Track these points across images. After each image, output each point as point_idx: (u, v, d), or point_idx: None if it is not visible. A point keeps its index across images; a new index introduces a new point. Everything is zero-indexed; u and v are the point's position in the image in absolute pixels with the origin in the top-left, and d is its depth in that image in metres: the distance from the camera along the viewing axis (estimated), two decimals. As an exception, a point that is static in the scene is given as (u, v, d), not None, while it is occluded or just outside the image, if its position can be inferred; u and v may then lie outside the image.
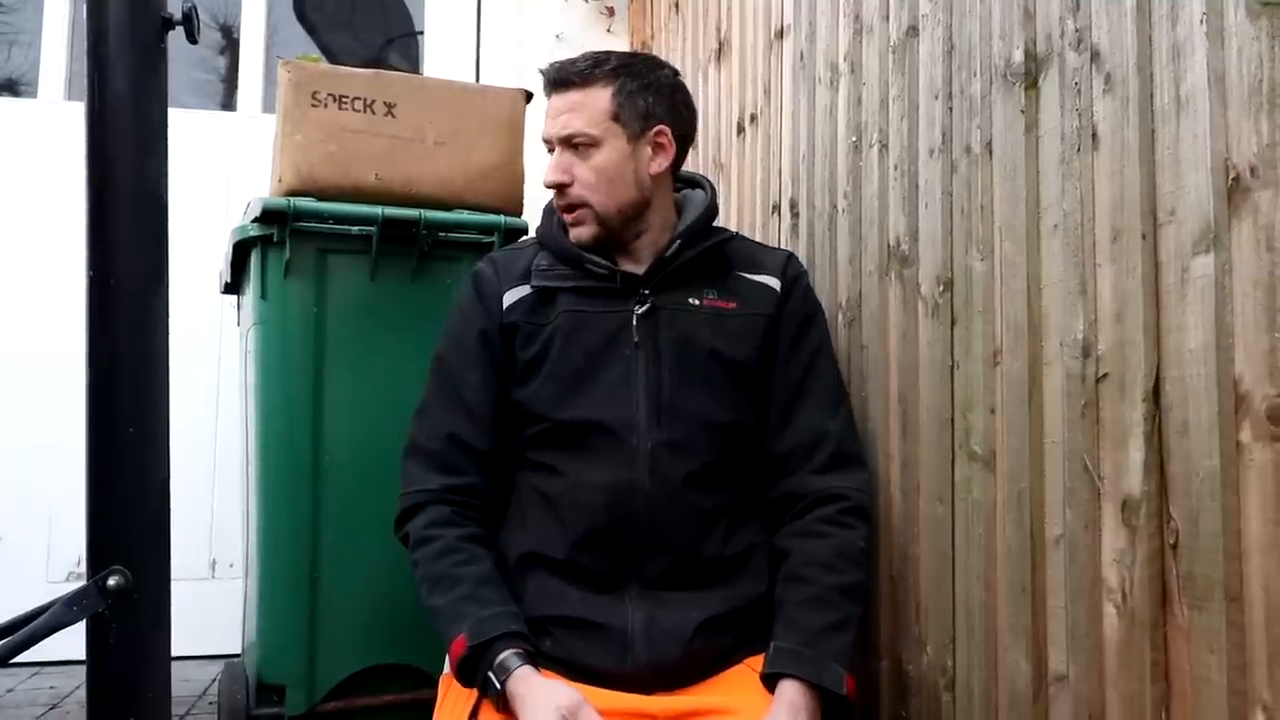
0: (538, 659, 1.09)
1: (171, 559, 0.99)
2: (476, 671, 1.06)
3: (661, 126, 1.23)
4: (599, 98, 1.21)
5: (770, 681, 1.06)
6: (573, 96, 1.21)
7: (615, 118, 1.21)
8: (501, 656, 1.04)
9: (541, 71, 1.26)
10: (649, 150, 1.23)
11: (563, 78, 1.22)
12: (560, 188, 1.22)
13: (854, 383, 1.38)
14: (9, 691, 2.24)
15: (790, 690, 1.03)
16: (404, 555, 1.24)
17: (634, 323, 1.20)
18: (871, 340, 1.34)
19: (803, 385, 1.24)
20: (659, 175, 1.25)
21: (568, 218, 1.23)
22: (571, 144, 1.21)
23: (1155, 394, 0.82)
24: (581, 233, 1.22)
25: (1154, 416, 0.82)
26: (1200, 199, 0.77)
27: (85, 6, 0.94)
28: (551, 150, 1.24)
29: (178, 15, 0.98)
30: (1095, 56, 0.90)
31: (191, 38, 0.99)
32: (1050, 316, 0.96)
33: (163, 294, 0.98)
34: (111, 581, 0.90)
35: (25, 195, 2.56)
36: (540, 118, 2.09)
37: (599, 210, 1.21)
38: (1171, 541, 0.80)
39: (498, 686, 1.03)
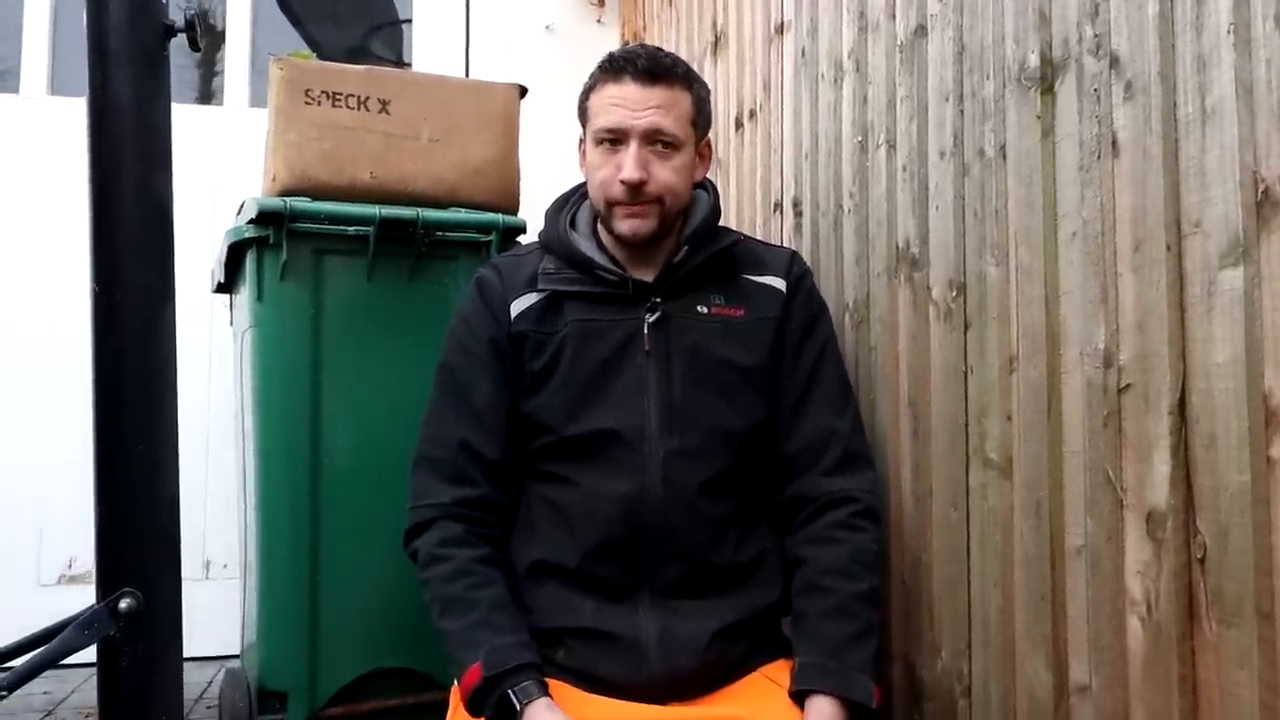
0: (553, 673, 1.09)
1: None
2: (487, 701, 1.05)
3: (708, 137, 1.26)
4: (684, 100, 1.19)
5: (799, 697, 1.06)
6: (662, 92, 1.16)
7: (694, 123, 1.21)
8: (521, 685, 1.03)
9: (621, 55, 1.19)
10: (699, 158, 1.25)
11: (656, 70, 1.17)
12: (639, 185, 1.16)
13: (862, 384, 1.37)
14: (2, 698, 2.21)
15: (821, 705, 1.03)
16: (405, 556, 1.23)
17: (645, 331, 1.18)
18: (880, 342, 1.33)
19: (809, 385, 1.24)
20: None
21: (630, 209, 1.17)
22: (656, 141, 1.16)
23: (1181, 406, 0.82)
24: (642, 226, 1.18)
25: (1180, 429, 0.82)
26: (1228, 211, 0.77)
27: (85, 13, 0.92)
28: (611, 140, 1.17)
29: (180, 22, 0.96)
30: (1115, 63, 0.90)
31: (195, 45, 0.97)
32: (1069, 325, 0.96)
33: (169, 308, 0.96)
34: (123, 604, 0.88)
35: (7, 194, 2.51)
36: (540, 112, 2.10)
37: (668, 209, 1.19)
38: (1199, 555, 0.79)
39: (519, 708, 1.02)
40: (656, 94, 1.16)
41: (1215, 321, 0.78)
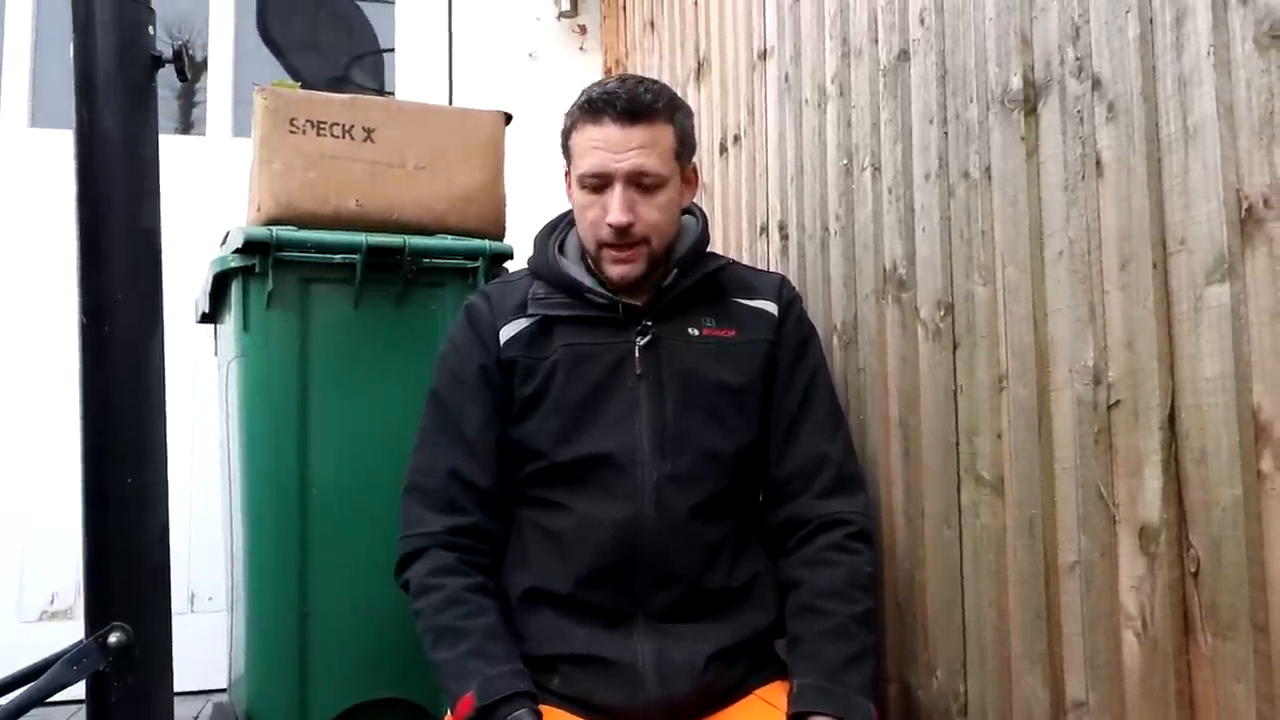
0: (548, 699, 1.08)
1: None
2: None
3: (694, 163, 1.25)
4: (666, 134, 1.18)
5: (798, 719, 1.05)
6: (642, 132, 1.15)
7: (677, 156, 1.20)
8: (514, 715, 1.02)
9: (597, 96, 1.17)
10: (685, 186, 1.24)
11: (633, 110, 1.15)
12: (627, 228, 1.16)
13: (852, 405, 1.38)
14: (-18, 737, 2.17)
15: None
16: (396, 586, 1.22)
17: (636, 354, 1.18)
18: (869, 363, 1.34)
19: (801, 410, 1.24)
20: None
21: (619, 255, 1.17)
22: (640, 183, 1.16)
23: (1171, 422, 0.82)
24: (631, 270, 1.18)
25: (1170, 444, 0.82)
26: (1212, 229, 0.78)
27: (71, 45, 0.92)
28: (595, 185, 1.17)
29: (167, 53, 0.96)
30: (1097, 85, 0.91)
31: (183, 76, 0.97)
32: (1057, 343, 0.96)
33: (158, 339, 0.95)
34: (112, 639, 0.87)
35: (-12, 224, 2.50)
36: (524, 139, 2.11)
37: (655, 248, 1.19)
38: (1193, 570, 0.80)
39: None
40: (637, 134, 1.15)
41: (1203, 337, 0.79)
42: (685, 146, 1.22)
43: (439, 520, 1.18)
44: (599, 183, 1.17)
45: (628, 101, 1.15)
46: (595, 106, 1.17)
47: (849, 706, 1.04)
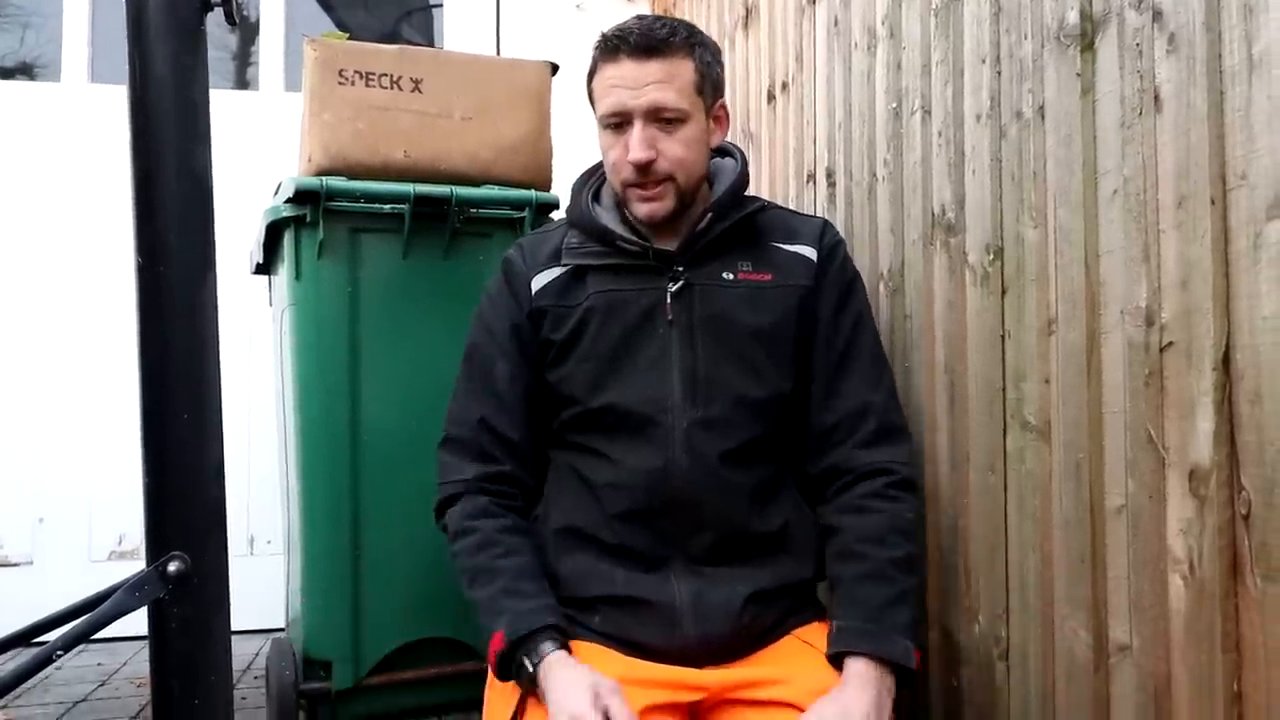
0: (589, 637, 1.10)
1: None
2: (511, 666, 1.06)
3: (722, 100, 1.22)
4: (685, 69, 1.15)
5: (837, 660, 1.05)
6: (659, 66, 1.13)
7: (699, 90, 1.17)
8: (536, 647, 1.04)
9: (611, 35, 1.15)
10: (714, 124, 1.22)
11: (648, 44, 1.12)
12: (647, 165, 1.14)
13: (897, 353, 1.36)
14: (57, 669, 2.27)
15: (859, 666, 1.03)
16: (442, 534, 1.24)
17: (667, 300, 1.17)
18: (916, 310, 1.32)
19: (844, 357, 1.22)
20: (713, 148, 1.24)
21: (645, 193, 1.16)
22: (660, 118, 1.14)
23: (1225, 363, 0.80)
24: (658, 208, 1.17)
25: (1224, 386, 0.80)
26: (1275, 162, 0.75)
27: (124, -10, 0.93)
28: (615, 124, 1.16)
29: (216, -4, 0.96)
30: (1158, 16, 0.88)
31: (231, 19, 0.97)
32: (1109, 285, 0.94)
33: (211, 280, 0.97)
34: (172, 567, 0.90)
35: (50, 179, 2.56)
36: (571, 90, 2.09)
37: (682, 186, 1.17)
38: (1244, 512, 0.78)
39: (530, 669, 1.03)
40: (653, 69, 1.13)
41: (1262, 275, 0.76)
42: (708, 81, 1.18)
43: (472, 469, 1.20)
44: (619, 120, 1.15)
45: (641, 36, 1.13)
46: (610, 45, 1.15)
47: (889, 645, 1.03)
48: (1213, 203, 0.81)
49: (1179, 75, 0.85)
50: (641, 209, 1.17)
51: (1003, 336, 1.12)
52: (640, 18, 1.19)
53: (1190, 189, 0.84)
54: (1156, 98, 0.88)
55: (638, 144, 1.13)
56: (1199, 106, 0.83)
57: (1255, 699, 0.78)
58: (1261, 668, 0.77)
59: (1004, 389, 1.12)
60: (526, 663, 1.04)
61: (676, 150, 1.15)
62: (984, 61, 1.15)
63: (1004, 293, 1.12)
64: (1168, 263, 0.86)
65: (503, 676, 1.08)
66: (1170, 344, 0.86)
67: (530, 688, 1.05)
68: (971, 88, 1.18)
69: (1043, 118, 1.04)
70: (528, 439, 1.23)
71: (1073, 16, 0.99)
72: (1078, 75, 0.98)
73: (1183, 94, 0.85)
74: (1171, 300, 0.86)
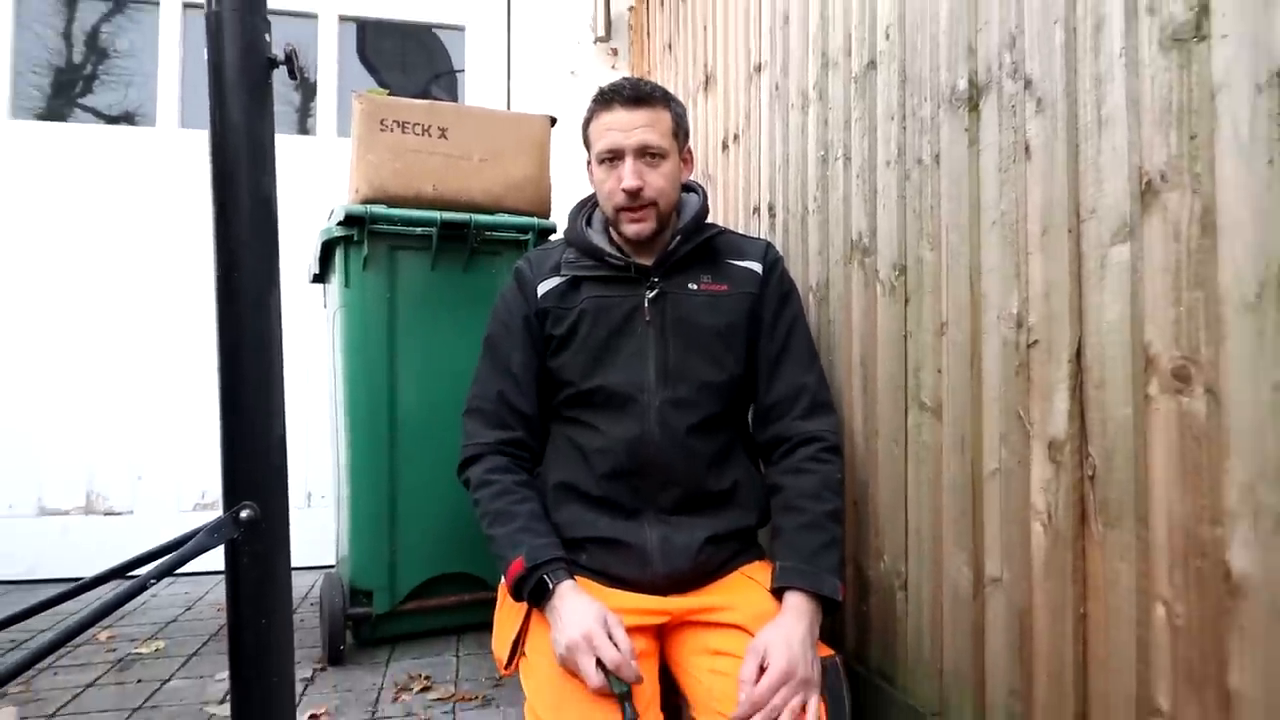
0: (579, 571, 1.09)
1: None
2: (527, 585, 1.05)
3: (689, 145, 1.22)
4: (665, 117, 1.16)
5: (778, 593, 1.05)
6: (645, 113, 1.14)
7: (675, 134, 1.17)
8: (553, 572, 1.04)
9: (609, 88, 1.16)
10: (683, 163, 1.22)
11: (637, 96, 1.13)
12: (638, 191, 1.14)
13: (823, 349, 1.36)
14: (153, 596, 2.23)
15: (796, 599, 1.03)
16: (461, 488, 1.23)
17: (645, 305, 1.17)
18: (838, 315, 1.32)
19: (783, 349, 1.21)
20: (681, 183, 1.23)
21: (634, 215, 1.16)
22: (646, 154, 1.14)
23: (1077, 358, 0.81)
24: (644, 228, 1.16)
25: (1076, 375, 0.81)
26: (1118, 200, 0.76)
27: (206, 50, 0.90)
28: (610, 159, 1.15)
29: (280, 56, 0.94)
30: (1029, 84, 0.88)
31: (292, 75, 0.95)
32: (989, 296, 0.95)
33: (276, 286, 0.94)
34: (243, 514, 0.88)
35: (149, 205, 2.51)
36: (568, 136, 2.08)
37: (662, 210, 1.17)
38: (1090, 474, 0.79)
39: (551, 588, 1.03)
40: (641, 115, 1.13)
41: (1106, 289, 0.77)
42: (680, 129, 1.19)
43: (492, 434, 1.18)
44: (613, 156, 1.15)
45: (631, 90, 1.14)
46: (606, 97, 1.15)
47: (820, 582, 1.04)
48: (1069, 232, 0.82)
49: (1045, 131, 0.86)
50: (630, 229, 1.17)
51: (905, 336, 1.12)
52: (627, 78, 1.18)
53: (1052, 221, 0.84)
54: (1027, 149, 0.88)
55: (630, 174, 1.13)
56: (1060, 156, 0.83)
57: (1096, 618, 0.79)
58: (1102, 594, 0.78)
59: (906, 378, 1.12)
60: (548, 580, 1.03)
61: (659, 181, 1.15)
62: (893, 119, 1.15)
63: (907, 302, 1.12)
64: (1034, 279, 0.87)
65: (516, 597, 1.07)
66: (1035, 342, 0.87)
67: (537, 604, 1.05)
68: (883, 140, 1.18)
69: (938, 164, 1.04)
70: (535, 412, 1.21)
71: (962, 84, 0.99)
72: (966, 130, 0.99)
73: (1048, 146, 0.85)
74: (1036, 308, 0.87)
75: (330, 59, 2.76)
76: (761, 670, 0.96)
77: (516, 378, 1.21)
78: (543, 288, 1.22)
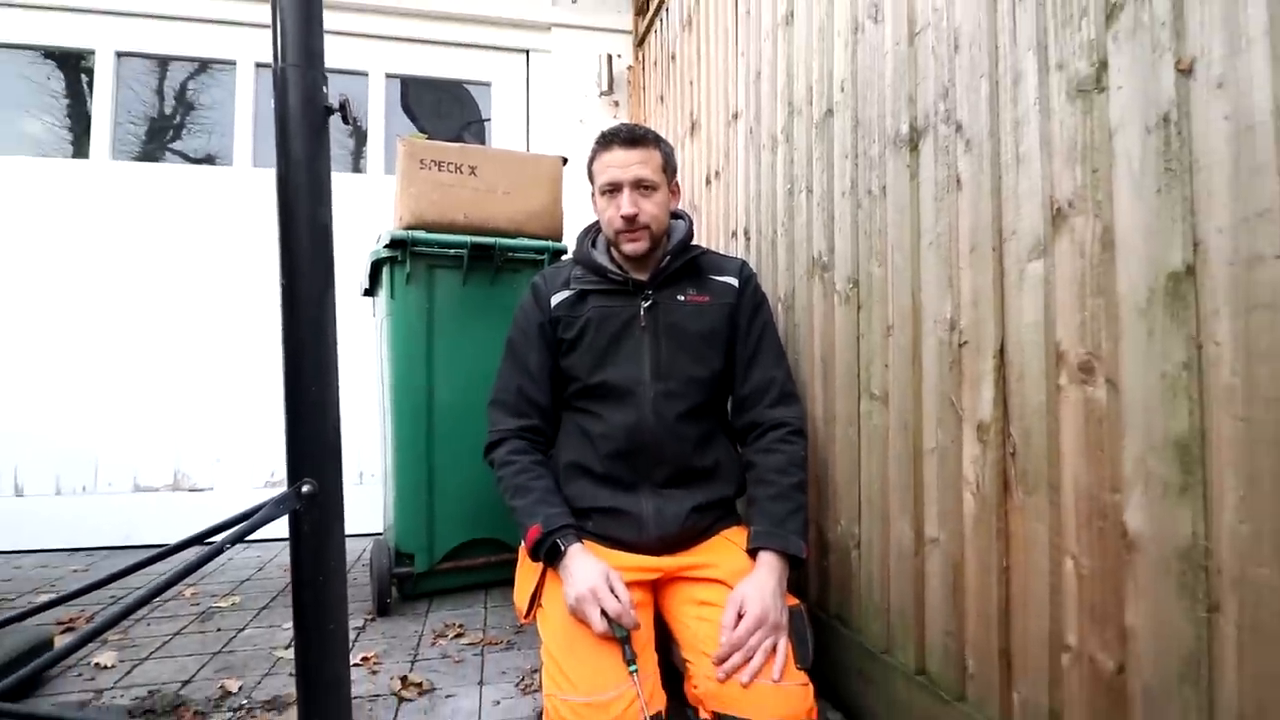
0: (585, 536, 1.09)
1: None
2: (543, 548, 1.05)
3: (676, 179, 1.22)
4: (655, 155, 1.16)
5: (753, 553, 1.05)
6: (640, 152, 1.14)
7: (664, 170, 1.18)
8: (564, 536, 1.04)
9: (609, 132, 1.17)
10: (671, 194, 1.21)
11: (635, 137, 1.14)
12: (634, 217, 1.15)
13: (790, 349, 1.36)
14: (229, 559, 2.23)
15: (767, 557, 1.03)
16: (487, 466, 1.23)
17: (641, 314, 1.17)
18: (802, 321, 1.32)
19: (756, 349, 1.22)
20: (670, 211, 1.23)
21: (631, 235, 1.16)
22: (641, 186, 1.15)
23: (1000, 354, 0.81)
24: (639, 246, 1.16)
25: (1000, 368, 0.81)
26: (1034, 224, 0.76)
27: (274, 101, 0.91)
28: (610, 191, 1.16)
29: (336, 105, 0.94)
30: (959, 128, 0.88)
31: (345, 121, 0.95)
32: (927, 304, 0.95)
33: (331, 297, 0.94)
34: (305, 488, 0.88)
35: (227, 232, 2.51)
36: (577, 173, 2.08)
37: (654, 232, 1.17)
38: (1011, 451, 0.79)
39: (563, 550, 1.03)
40: (636, 154, 1.14)
41: (1024, 298, 0.78)
42: (669, 165, 1.19)
43: (513, 421, 1.18)
44: (613, 188, 1.16)
45: (628, 132, 1.15)
46: (607, 139, 1.16)
47: (787, 543, 1.04)
48: (994, 250, 0.82)
49: (973, 166, 0.86)
50: (627, 247, 1.17)
51: (858, 338, 1.12)
52: (625, 124, 1.19)
53: (979, 241, 0.85)
54: (958, 181, 0.89)
55: (627, 203, 1.14)
56: (985, 187, 0.84)
57: (1017, 569, 0.79)
58: (1021, 551, 0.78)
59: (859, 372, 1.12)
60: (560, 544, 1.03)
61: (651, 209, 1.16)
62: (847, 157, 1.16)
63: (859, 309, 1.12)
64: (964, 289, 0.87)
65: (534, 558, 1.07)
66: (965, 342, 0.87)
67: (551, 563, 1.05)
68: (839, 175, 1.19)
69: (885, 194, 1.05)
70: (549, 404, 1.21)
71: (904, 128, 1.00)
72: (908, 166, 0.99)
73: (975, 179, 0.86)
74: (966, 314, 0.87)
75: (379, 109, 2.76)
76: (739, 617, 0.96)
77: (533, 374, 1.21)
78: (555, 299, 1.22)
